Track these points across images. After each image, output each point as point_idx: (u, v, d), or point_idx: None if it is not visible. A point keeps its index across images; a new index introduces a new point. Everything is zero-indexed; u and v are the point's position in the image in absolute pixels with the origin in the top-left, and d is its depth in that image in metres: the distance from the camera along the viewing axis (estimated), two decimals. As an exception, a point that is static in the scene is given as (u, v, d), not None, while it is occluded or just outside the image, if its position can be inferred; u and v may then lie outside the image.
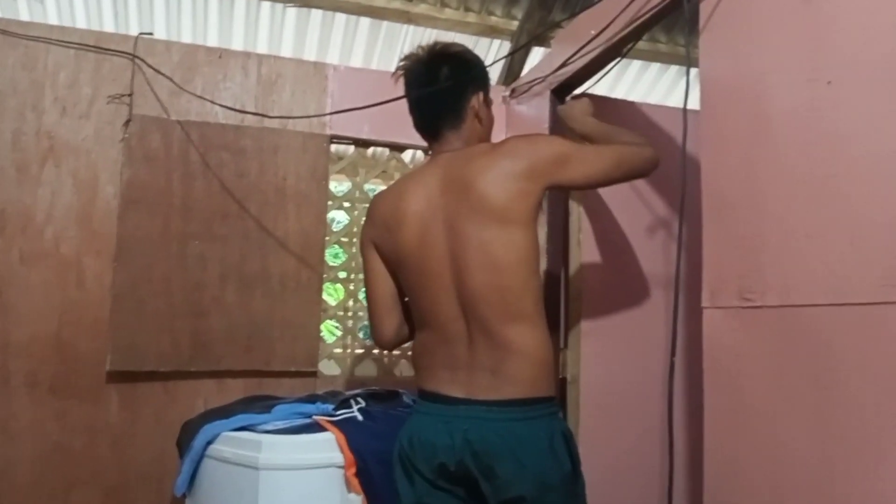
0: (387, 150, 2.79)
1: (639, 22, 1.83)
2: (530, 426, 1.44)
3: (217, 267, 2.40)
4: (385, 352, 2.63)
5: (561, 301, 2.35)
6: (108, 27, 2.94)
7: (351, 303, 2.68)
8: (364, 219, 1.75)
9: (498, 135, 1.80)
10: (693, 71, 1.61)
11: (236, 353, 2.40)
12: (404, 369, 2.66)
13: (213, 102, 2.45)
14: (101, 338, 2.28)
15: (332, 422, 1.85)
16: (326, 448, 1.76)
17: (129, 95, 2.39)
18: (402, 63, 1.68)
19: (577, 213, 2.38)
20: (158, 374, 2.32)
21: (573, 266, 2.36)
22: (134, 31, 2.64)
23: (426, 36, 3.04)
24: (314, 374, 2.50)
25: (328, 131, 2.60)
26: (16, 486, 2.18)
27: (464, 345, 1.51)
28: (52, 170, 2.30)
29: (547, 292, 2.19)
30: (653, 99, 3.59)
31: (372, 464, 1.73)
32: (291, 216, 2.51)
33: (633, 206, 2.40)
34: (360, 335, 2.68)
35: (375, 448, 1.73)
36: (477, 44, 3.09)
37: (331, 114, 2.56)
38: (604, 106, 2.26)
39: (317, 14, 2.98)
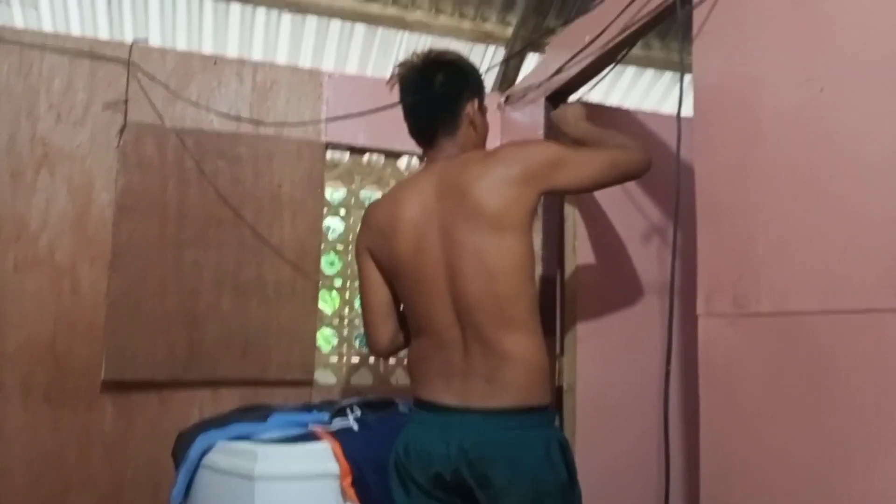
0: (382, 157, 2.79)
1: (633, 28, 1.83)
2: (526, 435, 1.44)
3: (212, 274, 2.40)
4: (381, 360, 2.62)
5: (557, 307, 2.35)
6: (103, 34, 2.94)
7: (346, 311, 2.67)
8: (359, 226, 1.75)
9: (493, 141, 1.80)
10: (687, 77, 1.61)
11: (231, 361, 2.39)
12: (400, 378, 2.65)
13: (208, 109, 2.44)
14: (96, 346, 2.27)
15: (327, 431, 1.84)
16: (322, 458, 1.75)
17: (124, 102, 2.38)
18: (397, 70, 1.68)
19: (572, 219, 2.38)
20: (153, 382, 2.32)
21: (568, 272, 2.36)
22: (129, 38, 2.65)
23: (421, 42, 3.04)
24: (310, 382, 2.49)
25: (323, 138, 2.60)
26: (9, 493, 2.17)
27: (459, 352, 1.50)
28: (46, 177, 2.29)
29: (542, 299, 2.19)
30: (647, 104, 3.60)
31: (368, 473, 1.72)
32: (287, 223, 2.51)
33: (628, 212, 2.41)
34: (356, 344, 2.68)
35: (371, 457, 1.73)
36: (472, 50, 3.10)
37: (326, 121, 2.56)
38: (598, 113, 2.27)
39: (312, 21, 2.98)
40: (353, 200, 2.71)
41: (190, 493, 1.88)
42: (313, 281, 2.52)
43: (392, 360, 2.61)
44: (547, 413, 1.50)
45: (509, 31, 3.02)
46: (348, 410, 1.96)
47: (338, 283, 2.68)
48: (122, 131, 2.37)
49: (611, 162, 1.61)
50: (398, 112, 1.69)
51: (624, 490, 2.24)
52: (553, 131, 2.16)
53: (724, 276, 1.44)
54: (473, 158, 1.57)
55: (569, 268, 2.36)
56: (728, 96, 1.48)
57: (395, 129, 1.73)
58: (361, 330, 1.87)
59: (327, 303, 3.53)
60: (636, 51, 2.45)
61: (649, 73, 3.50)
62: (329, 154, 2.65)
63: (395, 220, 1.59)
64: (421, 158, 2.58)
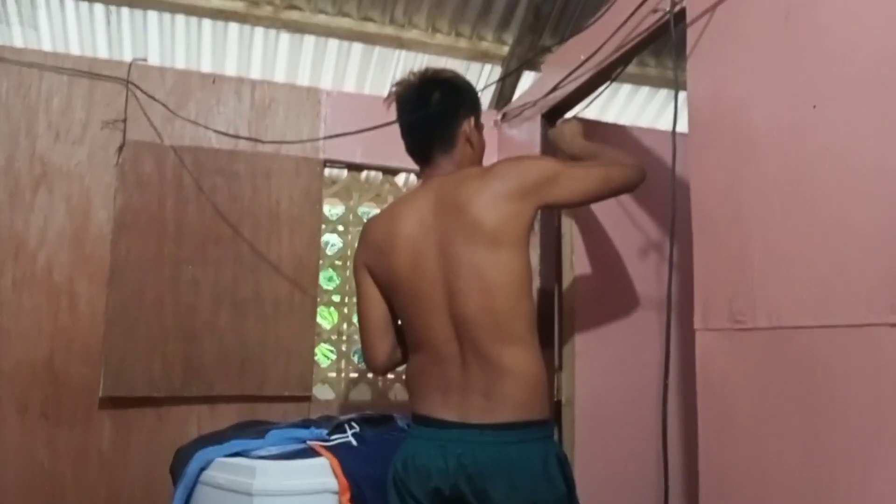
0: (380, 174, 2.80)
1: (627, 47, 1.86)
2: (524, 449, 1.44)
3: (210, 291, 2.40)
4: (379, 375, 2.62)
5: (555, 322, 2.35)
6: (102, 53, 2.95)
7: (345, 326, 2.67)
8: (357, 242, 1.76)
9: (490, 158, 1.82)
10: (682, 94, 1.63)
11: (229, 377, 2.39)
12: (399, 393, 2.65)
13: (206, 127, 2.46)
14: (94, 363, 2.27)
15: (326, 447, 1.83)
16: (321, 473, 1.75)
17: (123, 121, 2.40)
18: (393, 88, 1.70)
19: (569, 234, 2.39)
20: (151, 399, 2.31)
21: (566, 287, 2.37)
22: (128, 57, 2.66)
23: (418, 61, 3.06)
24: (308, 398, 2.49)
25: (321, 155, 2.61)
26: (6, 513, 2.16)
27: (457, 367, 1.51)
28: (45, 195, 2.30)
29: (540, 313, 2.19)
30: (643, 122, 3.61)
31: (366, 489, 1.71)
32: (285, 240, 2.52)
33: (625, 227, 2.42)
34: (355, 359, 2.68)
35: (370, 473, 1.72)
36: (468, 68, 3.12)
37: (324, 138, 2.58)
38: (594, 129, 2.29)
39: (310, 40, 3.00)
40: (351, 217, 2.72)
41: (188, 510, 1.87)
42: (311, 297, 2.53)
43: (390, 375, 2.61)
44: (545, 427, 1.51)
45: (505, 49, 3.04)
46: (347, 426, 1.95)
47: (336, 298, 2.69)
48: (120, 149, 2.38)
49: (605, 175, 1.63)
50: (396, 129, 1.70)
51: (622, 504, 2.24)
52: (550, 148, 2.18)
53: (721, 291, 1.45)
54: (470, 175, 1.58)
55: (566, 282, 2.37)
56: (722, 113, 1.50)
57: (392, 146, 1.74)
58: (360, 345, 1.88)
59: (326, 318, 3.53)
60: (631, 69, 2.47)
61: (644, 90, 3.52)
62: (327, 171, 2.66)
63: (392, 236, 1.60)
64: (419, 175, 2.59)
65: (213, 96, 2.53)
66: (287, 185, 2.54)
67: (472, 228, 1.49)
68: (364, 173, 2.77)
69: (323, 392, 2.60)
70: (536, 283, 2.30)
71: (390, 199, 2.68)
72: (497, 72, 3.12)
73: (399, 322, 1.69)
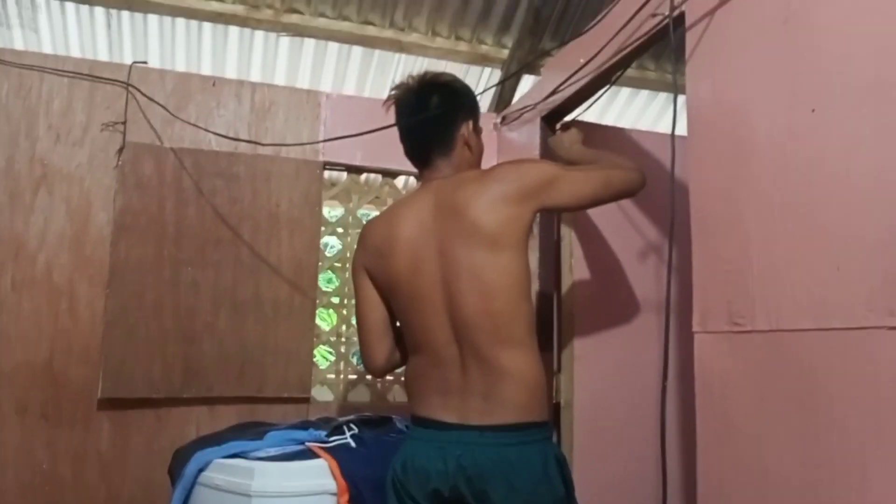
0: (380, 177, 2.80)
1: (627, 51, 1.86)
2: (523, 451, 1.44)
3: (210, 293, 2.41)
4: (378, 378, 2.62)
5: (554, 325, 2.36)
6: (103, 56, 2.96)
7: (344, 328, 2.68)
8: (356, 245, 1.76)
9: (489, 161, 1.82)
10: (681, 98, 1.64)
11: (228, 379, 2.39)
12: (398, 395, 2.65)
13: (206, 130, 2.46)
14: (93, 364, 2.28)
15: (324, 448, 1.84)
16: (319, 475, 1.75)
17: (123, 123, 2.41)
18: (392, 92, 1.71)
19: (569, 237, 2.39)
20: (150, 400, 2.31)
21: (565, 290, 2.37)
22: (128, 60, 2.67)
23: (418, 64, 3.07)
24: (307, 399, 2.49)
25: (321, 158, 2.62)
26: (5, 514, 2.16)
27: (456, 369, 1.51)
28: (45, 197, 2.31)
29: (540, 316, 2.19)
30: (642, 125, 3.62)
31: (365, 491, 1.72)
32: (284, 242, 2.52)
33: (624, 230, 2.43)
34: (353, 361, 2.68)
35: (368, 475, 1.72)
36: (468, 72, 3.13)
37: (324, 141, 2.58)
38: (594, 132, 2.29)
39: (310, 43, 3.01)
40: (350, 219, 2.73)
41: (186, 512, 1.87)
42: (311, 299, 2.53)
43: (389, 377, 2.62)
44: (544, 429, 1.51)
45: (505, 53, 3.05)
46: (345, 428, 1.95)
47: (335, 300, 2.69)
48: (120, 151, 2.39)
49: (605, 179, 1.63)
50: (395, 132, 1.71)
51: (621, 507, 2.24)
52: (549, 153, 2.19)
53: (720, 294, 1.45)
54: (469, 178, 1.58)
55: (565, 285, 2.37)
56: (721, 117, 1.51)
57: (392, 149, 1.75)
58: (358, 347, 1.88)
59: (325, 320, 3.54)
60: (631, 72, 2.49)
61: (644, 94, 3.53)
62: (327, 173, 2.67)
63: (392, 239, 1.60)
64: (418, 178, 2.60)
65: (213, 99, 2.54)
66: (287, 187, 2.54)
67: (471, 231, 1.50)
68: (364, 176, 2.78)
69: (322, 394, 2.61)
70: (536, 286, 2.30)
71: (390, 202, 2.68)
72: (497, 75, 3.13)
73: (397, 324, 1.69)
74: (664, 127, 2.93)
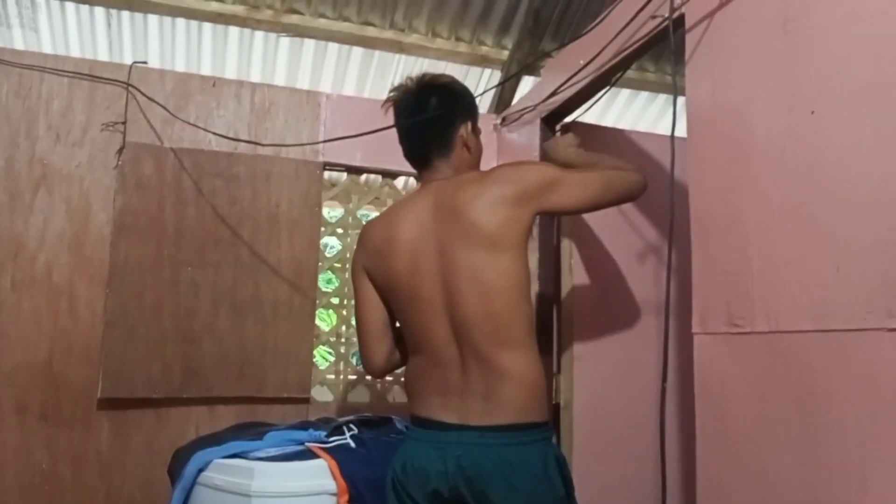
0: (379, 177, 2.81)
1: (627, 52, 1.87)
2: (523, 451, 1.45)
3: (209, 293, 2.41)
4: (377, 378, 2.63)
5: (553, 326, 2.36)
6: (103, 56, 2.96)
7: (344, 328, 2.68)
8: (356, 246, 1.76)
9: (489, 162, 1.83)
10: (680, 99, 1.64)
11: (228, 379, 2.39)
12: (397, 395, 2.66)
13: (206, 130, 2.46)
14: (93, 365, 2.28)
15: (324, 449, 1.84)
16: (319, 475, 1.75)
17: (123, 123, 2.41)
18: (391, 94, 1.71)
19: (568, 239, 2.40)
20: (150, 400, 2.32)
21: (565, 291, 2.38)
22: (128, 60, 2.67)
23: (418, 65, 3.08)
24: (306, 400, 2.50)
25: (321, 158, 2.62)
26: (4, 514, 2.16)
27: (456, 370, 1.51)
28: (44, 197, 2.31)
29: (539, 317, 2.20)
30: (642, 126, 3.63)
31: (365, 491, 1.72)
32: (284, 242, 2.52)
33: (624, 231, 2.43)
34: (353, 361, 2.68)
35: (368, 475, 1.73)
36: (468, 73, 3.13)
37: (324, 142, 2.58)
38: (593, 134, 2.30)
39: (310, 44, 3.01)
40: (350, 219, 2.73)
41: (186, 512, 1.87)
42: (310, 299, 2.53)
43: (389, 378, 2.62)
44: (544, 429, 1.51)
45: (505, 54, 3.05)
46: (345, 428, 1.96)
47: (335, 301, 2.70)
48: (120, 151, 2.39)
49: (606, 183, 1.62)
50: (395, 133, 1.71)
51: (620, 508, 2.25)
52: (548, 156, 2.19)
53: (719, 295, 1.46)
54: (469, 179, 1.59)
55: (565, 287, 2.37)
56: (720, 119, 1.51)
57: (392, 150, 1.75)
58: (358, 348, 1.88)
59: (325, 321, 3.54)
60: (631, 74, 2.49)
61: (643, 95, 3.53)
62: (327, 174, 2.67)
63: (391, 240, 1.61)
64: (417, 179, 2.61)
65: (213, 99, 2.54)
66: (286, 187, 2.55)
67: (470, 232, 1.50)
68: (363, 176, 2.78)
69: (321, 394, 2.61)
70: (535, 288, 2.30)
71: (389, 202, 2.68)
72: (497, 76, 3.14)
73: (397, 325, 1.69)
74: (664, 128, 2.93)
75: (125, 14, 2.81)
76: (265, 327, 2.45)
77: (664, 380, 1.52)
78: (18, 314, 2.24)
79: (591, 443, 2.28)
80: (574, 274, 2.38)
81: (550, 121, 2.36)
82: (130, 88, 2.42)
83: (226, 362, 2.39)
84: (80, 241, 2.33)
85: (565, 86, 2.16)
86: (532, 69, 2.97)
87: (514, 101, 2.88)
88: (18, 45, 2.91)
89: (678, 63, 1.64)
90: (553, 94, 2.24)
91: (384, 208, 2.32)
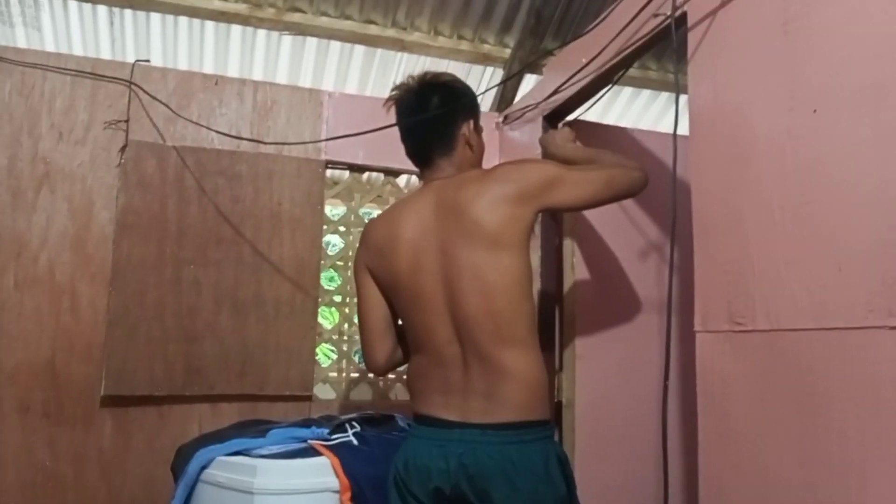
0: (382, 175, 2.81)
1: (629, 51, 1.87)
2: (525, 449, 1.45)
3: (211, 292, 2.41)
4: (379, 376, 2.63)
5: (556, 324, 2.36)
6: (105, 54, 2.96)
7: (346, 326, 2.68)
8: (358, 244, 1.77)
9: (491, 160, 1.83)
10: (682, 97, 1.64)
11: (230, 377, 2.40)
12: (400, 393, 2.66)
13: (208, 128, 2.47)
14: (95, 363, 2.28)
15: (327, 446, 1.84)
16: (321, 473, 1.75)
17: (126, 121, 2.41)
18: (393, 93, 1.71)
19: (570, 237, 2.39)
20: (152, 398, 2.32)
21: (567, 289, 2.38)
22: (130, 58, 2.67)
23: (420, 63, 3.08)
24: (309, 398, 2.50)
25: (323, 156, 2.62)
26: (7, 512, 2.17)
27: (458, 369, 1.52)
28: (47, 195, 2.31)
29: (541, 315, 2.20)
30: (644, 124, 3.63)
31: (367, 489, 1.72)
32: (286, 241, 2.53)
33: (626, 229, 2.43)
34: (356, 359, 2.69)
35: (370, 473, 1.73)
36: (470, 71, 3.13)
37: (326, 140, 2.58)
38: (595, 132, 2.30)
39: (312, 42, 3.01)
40: (352, 217, 2.73)
41: (189, 509, 1.88)
42: (312, 297, 2.53)
43: (391, 375, 2.62)
44: (546, 427, 1.51)
45: (507, 52, 3.05)
46: (347, 425, 1.96)
47: (337, 298, 2.70)
48: (123, 150, 2.39)
49: (607, 180, 1.62)
50: (397, 131, 1.71)
51: (622, 506, 2.25)
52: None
53: (721, 294, 1.46)
54: (470, 177, 1.59)
55: (567, 284, 2.37)
56: (722, 116, 1.51)
57: (394, 148, 1.75)
58: (360, 346, 1.89)
59: (327, 318, 3.54)
60: (633, 72, 2.49)
61: (646, 93, 3.53)
62: (329, 172, 2.67)
63: (393, 238, 1.61)
64: (420, 177, 2.61)
65: (216, 97, 2.54)
66: (289, 186, 2.55)
67: (472, 231, 1.50)
68: (366, 174, 2.78)
69: (324, 392, 2.61)
70: (537, 285, 2.30)
71: (392, 201, 2.68)
72: (499, 74, 3.14)
73: (399, 323, 1.70)
74: (666, 127, 2.93)
75: (128, 12, 2.81)
76: (267, 325, 2.46)
77: (666, 378, 1.53)
78: (21, 313, 2.24)
79: (593, 441, 2.28)
80: (576, 272, 2.38)
81: (552, 119, 2.35)
82: (133, 87, 2.43)
83: (228, 360, 2.40)
84: (83, 239, 2.33)
85: (567, 84, 2.16)
86: (534, 67, 2.97)
87: (516, 99, 2.88)
88: (21, 43, 2.92)
89: (680, 61, 1.64)
90: (555, 92, 2.24)
91: (386, 206, 2.32)
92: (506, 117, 2.74)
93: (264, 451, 1.83)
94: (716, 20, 1.54)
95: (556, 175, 1.57)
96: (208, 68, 3.06)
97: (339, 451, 1.81)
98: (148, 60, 2.53)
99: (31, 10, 2.81)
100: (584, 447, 2.27)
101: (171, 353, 2.34)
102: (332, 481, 1.74)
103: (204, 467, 1.84)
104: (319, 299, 2.58)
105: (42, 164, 2.32)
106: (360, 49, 3.06)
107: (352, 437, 1.90)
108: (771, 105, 1.36)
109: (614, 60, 1.93)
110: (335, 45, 3.04)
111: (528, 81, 3.11)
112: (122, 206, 2.36)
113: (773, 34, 1.37)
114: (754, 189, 1.39)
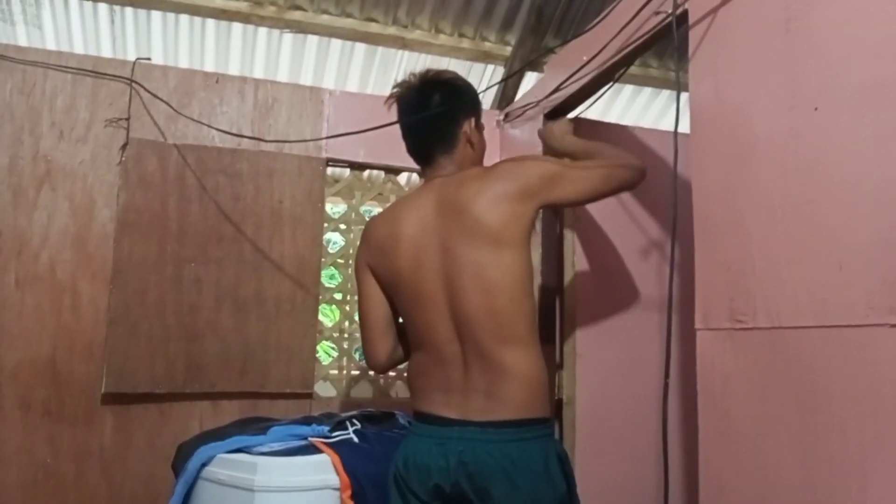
0: (382, 173, 2.81)
1: (630, 48, 1.86)
2: (525, 447, 1.45)
3: (212, 290, 2.41)
4: (380, 374, 2.63)
5: (556, 321, 2.36)
6: (106, 52, 2.96)
7: (347, 324, 2.68)
8: (359, 242, 1.77)
9: (492, 158, 1.82)
10: (683, 95, 1.64)
11: (231, 375, 2.40)
12: (400, 391, 2.66)
13: (209, 126, 2.47)
14: (96, 361, 2.28)
15: (327, 444, 1.84)
16: (322, 470, 1.76)
17: (126, 119, 2.41)
18: (394, 90, 1.71)
19: (571, 234, 2.39)
20: (153, 396, 2.32)
21: (568, 286, 2.38)
22: (131, 56, 2.67)
23: (421, 61, 3.08)
24: (310, 395, 2.50)
25: (324, 154, 2.62)
26: (8, 510, 2.17)
27: (458, 367, 1.52)
28: (48, 193, 2.31)
29: (542, 313, 2.20)
30: (645, 122, 3.62)
31: (367, 486, 1.72)
32: (287, 239, 2.53)
33: (627, 227, 2.43)
34: (356, 356, 2.69)
35: (371, 470, 1.73)
36: (471, 69, 3.13)
37: (327, 138, 2.58)
38: (597, 129, 2.30)
39: (313, 40, 3.01)
40: (353, 215, 2.73)
41: (189, 506, 1.88)
42: (313, 295, 2.53)
43: (392, 373, 2.62)
44: (546, 425, 1.51)
45: (508, 50, 3.05)
46: (348, 423, 1.96)
47: (338, 296, 2.70)
48: (124, 148, 2.39)
49: (606, 174, 1.63)
50: (398, 129, 1.71)
51: (623, 503, 2.25)
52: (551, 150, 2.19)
53: (721, 291, 1.45)
54: (471, 175, 1.59)
55: (568, 282, 2.37)
56: (723, 114, 1.51)
57: (395, 146, 1.75)
58: (361, 343, 1.89)
59: (327, 316, 3.55)
60: (634, 70, 2.49)
61: (647, 91, 3.53)
62: (330, 170, 2.67)
63: (394, 236, 1.61)
64: (421, 175, 2.61)
65: (217, 95, 2.54)
66: (290, 184, 2.55)
67: (473, 229, 1.50)
68: (366, 172, 2.78)
69: (324, 389, 2.61)
70: (538, 283, 2.30)
71: (392, 198, 2.68)
72: (500, 72, 3.14)
73: (400, 320, 1.70)
74: (667, 124, 2.93)
75: (128, 10, 2.81)
76: (268, 323, 2.46)
77: (667, 375, 1.53)
78: (22, 311, 2.24)
79: (594, 439, 2.29)
80: (577, 270, 2.38)
81: (553, 117, 2.35)
82: (134, 85, 2.42)
83: (229, 358, 2.40)
84: (84, 237, 2.33)
85: (568, 82, 2.16)
86: (535, 65, 2.97)
87: (517, 97, 2.88)
88: (22, 41, 2.92)
89: (681, 59, 1.64)
90: (556, 90, 2.24)
91: (387, 204, 2.32)
92: (507, 115, 2.74)
93: (265, 449, 1.83)
94: (717, 18, 1.54)
95: (556, 172, 1.57)
96: (209, 66, 3.06)
97: (340, 448, 1.82)
98: (149, 58, 2.53)
99: (31, 9, 2.81)
100: (585, 445, 2.27)
101: (172, 350, 2.34)
102: (333, 479, 1.74)
103: (204, 464, 1.85)
104: (320, 297, 2.58)
105: (43, 162, 2.32)
106: (360, 47, 3.06)
107: (352, 435, 1.90)
108: (772, 103, 1.36)
109: (615, 58, 1.93)
110: (336, 43, 3.03)
111: (529, 79, 3.11)
112: (123, 205, 2.36)
113: (775, 33, 1.37)
114: (755, 187, 1.39)
